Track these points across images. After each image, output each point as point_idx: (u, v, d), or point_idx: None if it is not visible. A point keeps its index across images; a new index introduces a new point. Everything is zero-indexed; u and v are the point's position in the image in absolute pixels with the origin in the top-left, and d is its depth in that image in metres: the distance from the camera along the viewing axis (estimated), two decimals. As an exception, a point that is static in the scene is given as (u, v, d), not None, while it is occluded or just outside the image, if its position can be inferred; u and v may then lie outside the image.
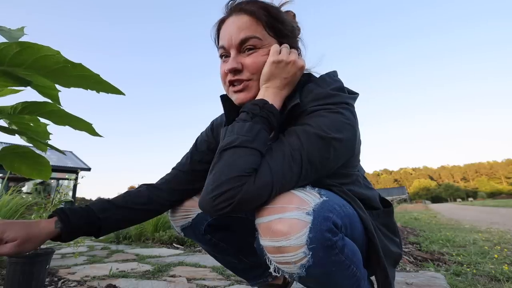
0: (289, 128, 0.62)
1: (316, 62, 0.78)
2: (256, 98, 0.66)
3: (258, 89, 0.68)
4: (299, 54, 0.76)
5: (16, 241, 0.62)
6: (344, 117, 0.61)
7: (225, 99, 0.80)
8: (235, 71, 0.68)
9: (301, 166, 0.56)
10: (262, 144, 0.58)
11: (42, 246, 1.34)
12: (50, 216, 0.71)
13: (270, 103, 0.63)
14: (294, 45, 0.74)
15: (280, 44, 0.70)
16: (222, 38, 0.71)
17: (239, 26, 0.67)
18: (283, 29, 0.71)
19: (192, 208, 0.89)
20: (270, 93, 0.66)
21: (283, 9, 0.75)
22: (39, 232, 0.66)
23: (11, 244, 0.62)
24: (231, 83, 0.70)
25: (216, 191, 0.53)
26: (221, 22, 0.73)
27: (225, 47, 0.70)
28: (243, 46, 0.68)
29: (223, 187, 0.52)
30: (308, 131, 0.58)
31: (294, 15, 0.78)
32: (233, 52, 0.68)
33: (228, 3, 0.73)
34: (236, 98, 0.70)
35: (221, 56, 0.73)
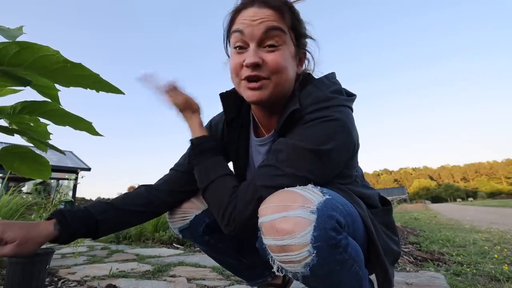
0: (282, 140, 0.65)
1: (316, 65, 0.78)
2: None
3: (273, 90, 0.66)
4: (307, 56, 0.75)
5: (16, 242, 0.62)
6: (338, 123, 0.62)
7: (224, 97, 0.80)
8: (255, 65, 0.63)
9: (291, 179, 0.59)
10: (215, 171, 0.70)
11: (42, 246, 1.34)
12: (48, 218, 0.71)
13: (194, 138, 0.77)
14: (305, 46, 0.74)
15: (297, 43, 0.70)
16: (240, 24, 0.65)
17: (263, 18, 0.63)
18: (301, 30, 0.69)
19: (190, 210, 0.89)
20: (191, 127, 0.80)
21: None
22: (38, 233, 0.66)
23: (10, 245, 0.61)
24: (247, 78, 0.66)
25: (222, 223, 0.64)
26: (237, 12, 0.67)
27: (243, 33, 0.64)
28: (266, 39, 0.64)
29: (225, 219, 0.63)
30: (298, 145, 0.61)
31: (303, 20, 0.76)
32: (253, 45, 0.64)
33: None
34: (250, 95, 0.67)
35: (235, 44, 0.67)
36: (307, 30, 0.74)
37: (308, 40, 0.75)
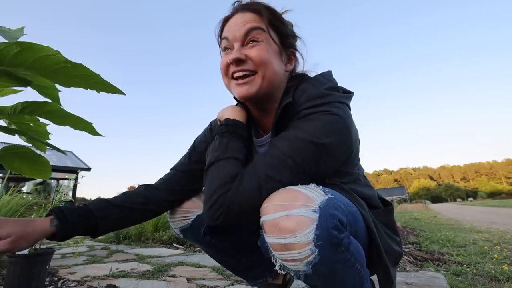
0: (282, 133, 0.65)
1: (312, 67, 0.79)
2: (222, 118, 0.75)
3: (261, 84, 0.68)
4: (296, 54, 0.78)
5: (10, 238, 0.62)
6: (336, 118, 0.62)
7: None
8: (238, 61, 0.68)
9: (291, 171, 0.59)
10: (235, 151, 0.67)
11: (42, 246, 1.34)
12: (47, 215, 0.71)
13: (232, 118, 0.73)
14: (292, 45, 0.76)
15: (282, 42, 0.73)
16: (226, 31, 0.72)
17: (244, 20, 0.69)
18: (284, 28, 0.73)
19: (191, 210, 0.89)
20: (230, 111, 0.75)
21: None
22: (33, 230, 0.65)
23: (4, 241, 0.61)
24: (233, 75, 0.70)
25: (208, 203, 0.61)
26: (226, 20, 0.74)
27: (228, 39, 0.71)
28: (247, 38, 0.69)
29: (213, 197, 0.61)
30: (298, 136, 0.61)
31: (292, 25, 0.79)
32: (237, 45, 0.69)
33: (234, 3, 0.75)
34: (238, 91, 0.70)
35: (224, 48, 0.74)
36: (293, 31, 0.77)
37: (300, 42, 0.79)
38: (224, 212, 0.59)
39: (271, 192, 0.57)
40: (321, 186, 0.57)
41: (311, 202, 0.52)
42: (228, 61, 0.69)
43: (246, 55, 0.68)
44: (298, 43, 0.79)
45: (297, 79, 0.75)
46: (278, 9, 0.77)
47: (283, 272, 0.55)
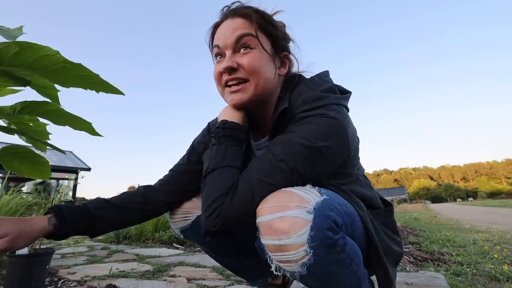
0: (276, 137, 0.65)
1: (307, 67, 0.79)
2: (219, 119, 0.73)
3: (255, 92, 0.69)
4: (290, 57, 0.77)
5: (7, 237, 0.61)
6: (332, 121, 0.61)
7: None
8: (231, 69, 0.68)
9: (285, 175, 0.59)
10: (233, 159, 0.66)
11: (42, 246, 1.34)
12: (46, 213, 0.70)
13: (230, 121, 0.70)
14: (285, 48, 0.76)
15: (274, 46, 0.72)
16: (217, 39, 0.72)
17: (234, 27, 0.69)
18: (275, 32, 0.72)
19: (191, 210, 0.88)
20: (228, 111, 0.73)
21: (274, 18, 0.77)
22: (30, 228, 0.65)
23: (1, 240, 0.61)
24: (227, 83, 0.70)
25: (206, 213, 0.62)
26: (216, 26, 0.74)
27: (219, 47, 0.70)
28: (239, 45, 0.68)
29: (210, 208, 0.61)
30: (292, 140, 0.61)
31: (284, 25, 0.79)
32: (228, 52, 0.69)
33: (223, 9, 0.74)
34: (231, 99, 0.70)
35: (216, 55, 0.73)
36: (285, 32, 0.76)
37: (295, 44, 0.78)
38: (220, 221, 0.61)
39: (264, 196, 0.57)
40: (317, 187, 0.57)
41: (305, 203, 0.52)
42: (221, 70, 0.69)
43: (238, 63, 0.68)
44: (292, 44, 0.78)
45: (293, 81, 0.75)
46: (269, 10, 0.75)
47: (279, 274, 0.55)
